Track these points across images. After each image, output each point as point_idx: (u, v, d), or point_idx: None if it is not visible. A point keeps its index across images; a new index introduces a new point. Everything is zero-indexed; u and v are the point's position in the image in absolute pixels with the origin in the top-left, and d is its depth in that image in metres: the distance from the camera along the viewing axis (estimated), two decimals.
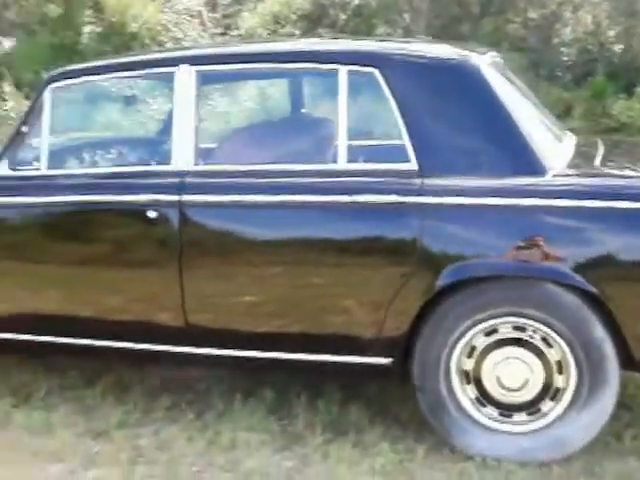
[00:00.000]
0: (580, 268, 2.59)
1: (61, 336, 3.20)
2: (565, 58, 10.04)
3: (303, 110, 3.42)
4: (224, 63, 3.09)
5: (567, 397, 2.72)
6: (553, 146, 2.98)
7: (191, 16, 11.57)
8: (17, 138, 3.20)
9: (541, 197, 2.63)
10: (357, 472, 2.76)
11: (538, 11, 10.85)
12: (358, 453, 2.87)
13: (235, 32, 11.48)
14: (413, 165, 2.75)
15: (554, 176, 2.70)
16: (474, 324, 2.73)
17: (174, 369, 3.60)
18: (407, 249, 2.72)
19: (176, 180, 2.94)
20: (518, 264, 2.67)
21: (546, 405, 2.75)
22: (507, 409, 2.80)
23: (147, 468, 2.85)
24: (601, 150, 3.13)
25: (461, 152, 2.75)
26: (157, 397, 3.34)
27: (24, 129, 3.19)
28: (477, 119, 2.76)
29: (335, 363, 2.88)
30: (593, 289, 2.59)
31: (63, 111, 3.42)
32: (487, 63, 2.94)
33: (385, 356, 2.82)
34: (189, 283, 2.94)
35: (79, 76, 3.27)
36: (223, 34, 11.68)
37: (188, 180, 2.94)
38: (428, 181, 2.72)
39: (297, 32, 11.46)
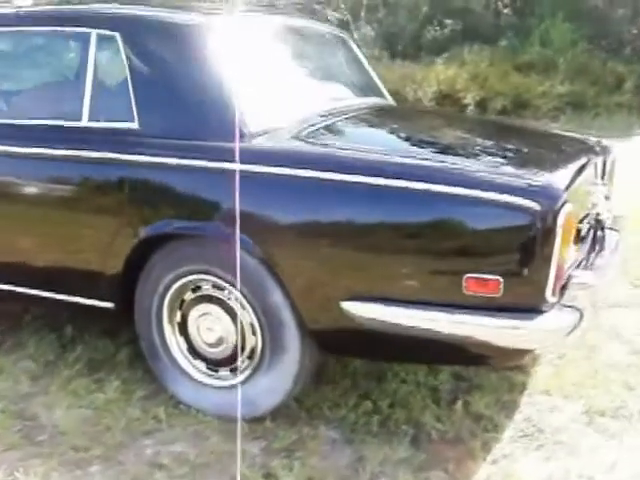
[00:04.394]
0: (252, 232, 2.62)
1: None
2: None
3: (66, 71, 3.55)
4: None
5: (256, 359, 2.81)
6: (278, 114, 2.96)
7: None
8: None
9: (218, 161, 2.69)
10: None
11: None
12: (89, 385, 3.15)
13: None
14: (135, 125, 2.89)
15: (250, 142, 2.73)
16: (176, 278, 2.86)
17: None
18: (119, 201, 2.88)
19: None
20: (197, 224, 2.77)
21: (244, 364, 2.85)
22: (213, 364, 2.92)
23: None
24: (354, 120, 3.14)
25: (176, 115, 2.85)
26: None
27: None
28: (189, 84, 2.82)
29: (72, 303, 3.10)
30: (261, 253, 2.65)
31: None
32: (219, 27, 2.98)
33: (106, 300, 3.02)
34: None
35: None
36: None
37: None
38: (143, 140, 2.86)
39: None
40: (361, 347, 2.72)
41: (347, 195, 2.56)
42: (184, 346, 2.96)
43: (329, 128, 3.01)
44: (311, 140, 2.83)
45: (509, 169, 2.64)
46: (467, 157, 2.86)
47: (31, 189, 3.12)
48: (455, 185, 2.42)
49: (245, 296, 2.75)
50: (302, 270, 2.63)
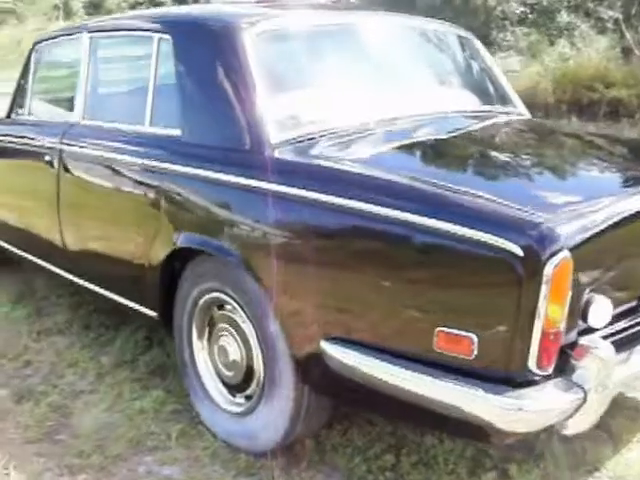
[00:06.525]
0: (252, 254, 2.43)
1: None
2: None
3: (135, 75, 3.43)
4: (102, 31, 3.40)
5: (259, 389, 2.59)
6: (318, 122, 2.66)
7: None
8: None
9: (224, 173, 2.54)
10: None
11: None
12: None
13: None
14: (178, 132, 2.79)
15: (272, 154, 2.48)
16: (201, 294, 2.73)
17: None
18: (154, 208, 2.82)
19: (60, 131, 3.41)
20: (202, 239, 2.62)
21: (253, 392, 2.64)
22: (231, 388, 2.75)
23: None
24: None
25: (211, 122, 2.71)
26: None
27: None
28: (228, 90, 2.63)
29: (126, 306, 3.13)
30: (254, 274, 2.43)
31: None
32: (258, 30, 2.73)
33: (150, 309, 2.98)
34: (62, 212, 3.42)
35: None
36: None
37: (67, 132, 3.38)
38: (182, 148, 2.75)
39: None
40: (338, 392, 2.39)
41: (325, 222, 2.27)
42: (210, 365, 2.81)
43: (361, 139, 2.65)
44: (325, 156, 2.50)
45: (515, 197, 2.05)
46: (488, 181, 2.37)
47: (107, 188, 3.17)
48: (430, 216, 2.00)
49: (251, 321, 2.54)
50: (290, 301, 2.37)
